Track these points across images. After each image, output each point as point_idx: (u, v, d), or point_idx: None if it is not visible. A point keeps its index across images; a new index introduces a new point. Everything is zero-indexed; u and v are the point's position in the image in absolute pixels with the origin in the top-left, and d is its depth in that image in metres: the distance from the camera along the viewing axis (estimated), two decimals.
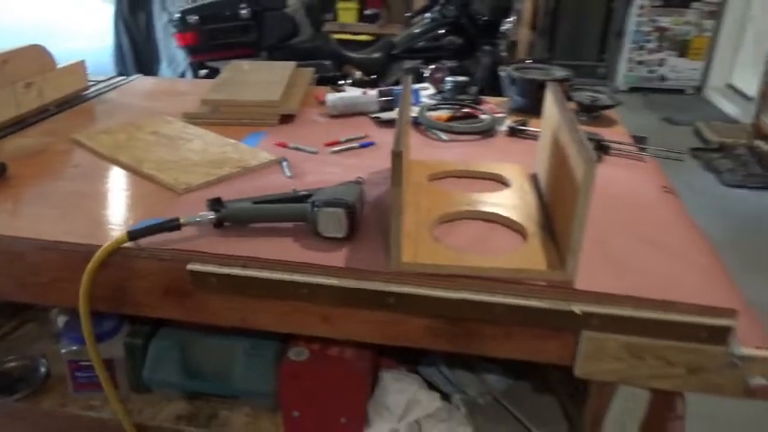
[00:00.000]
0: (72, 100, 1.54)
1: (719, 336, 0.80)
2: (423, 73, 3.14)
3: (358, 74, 2.97)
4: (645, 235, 0.97)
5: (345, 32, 5.06)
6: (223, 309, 0.91)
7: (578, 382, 1.11)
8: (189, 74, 3.21)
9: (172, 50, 3.60)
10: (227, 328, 1.04)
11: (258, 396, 1.04)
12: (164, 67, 3.74)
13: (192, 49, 2.78)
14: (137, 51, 3.70)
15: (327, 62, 2.94)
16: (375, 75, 3.10)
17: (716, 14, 5.31)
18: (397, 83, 2.65)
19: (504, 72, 1.60)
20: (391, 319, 0.87)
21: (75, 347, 1.04)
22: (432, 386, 1.07)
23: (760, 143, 3.94)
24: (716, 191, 3.51)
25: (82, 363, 1.04)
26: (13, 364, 1.13)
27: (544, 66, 1.64)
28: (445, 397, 1.06)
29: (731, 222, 3.14)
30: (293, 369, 0.97)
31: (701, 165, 3.83)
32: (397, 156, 0.79)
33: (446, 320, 0.86)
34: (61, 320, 1.11)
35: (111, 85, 1.70)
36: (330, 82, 1.75)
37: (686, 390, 0.85)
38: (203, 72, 3.00)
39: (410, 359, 1.11)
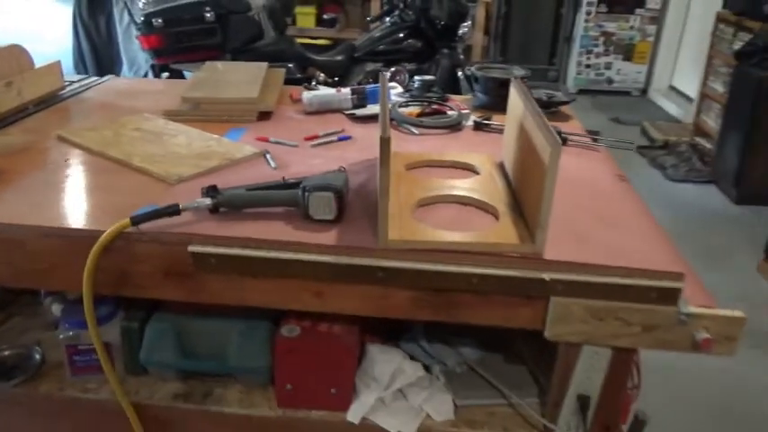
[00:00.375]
0: (50, 99, 1.57)
1: (669, 297, 0.91)
2: (384, 75, 3.24)
3: (321, 76, 3.04)
4: (602, 213, 1.09)
5: (304, 37, 5.13)
6: (222, 288, 0.97)
7: (545, 351, 1.22)
8: (151, 76, 3.22)
9: (133, 53, 3.59)
10: (219, 311, 1.10)
11: (252, 372, 1.10)
12: (125, 70, 3.72)
13: (156, 52, 2.81)
14: (97, 54, 3.68)
15: (291, 64, 3.00)
16: (338, 77, 3.18)
17: (657, 20, 5.60)
18: (359, 84, 2.73)
19: (468, 72, 1.71)
20: (380, 293, 0.95)
21: (72, 332, 1.08)
22: (413, 359, 1.15)
23: (701, 140, 4.19)
24: (661, 185, 3.72)
25: (80, 347, 1.08)
26: (7, 353, 1.16)
27: (504, 66, 1.75)
28: (425, 368, 1.14)
29: (676, 214, 3.34)
30: (286, 344, 1.05)
31: (647, 161, 4.05)
32: (385, 141, 0.88)
33: (429, 292, 0.95)
34: (56, 308, 1.15)
35: (86, 85, 1.73)
36: (296, 83, 1.82)
37: (642, 346, 0.96)
38: (165, 75, 3.02)
39: (392, 336, 1.19)
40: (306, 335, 1.05)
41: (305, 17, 5.42)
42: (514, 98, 1.19)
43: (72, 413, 1.12)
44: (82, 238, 0.95)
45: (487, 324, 0.97)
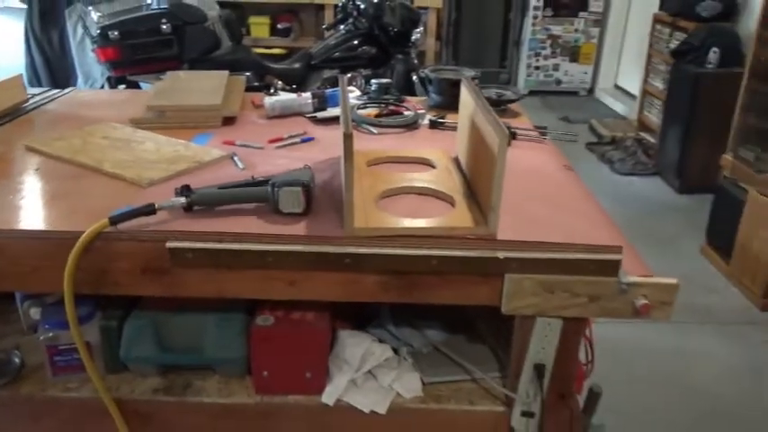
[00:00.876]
0: (13, 112, 1.59)
1: (610, 268, 1.01)
2: (343, 78, 3.31)
3: (279, 84, 3.09)
4: (549, 198, 1.19)
5: (259, 46, 5.16)
6: (199, 282, 1.03)
7: (503, 329, 1.31)
8: (107, 89, 3.22)
9: (87, 66, 3.58)
10: (195, 306, 1.16)
11: (229, 363, 1.16)
12: (80, 83, 3.71)
13: (113, 64, 2.82)
14: (50, 67, 3.65)
15: (249, 73, 3.05)
16: (295, 84, 3.24)
17: (600, 23, 5.84)
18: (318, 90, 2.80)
19: (423, 74, 1.80)
20: (349, 279, 1.02)
21: (52, 333, 1.12)
22: (381, 342, 1.22)
23: (645, 135, 4.40)
24: (610, 179, 3.90)
25: (60, 347, 1.12)
26: None
27: (456, 68, 1.85)
28: (394, 351, 1.22)
29: (624, 205, 3.51)
30: (262, 333, 1.11)
31: (596, 157, 4.23)
32: (348, 137, 0.95)
33: (394, 275, 1.02)
34: (34, 312, 1.18)
35: (49, 97, 1.75)
36: (254, 91, 1.88)
37: (589, 315, 1.05)
38: (122, 87, 3.03)
39: (361, 322, 1.26)
40: (280, 323, 1.12)
41: (259, 27, 5.46)
42: (465, 96, 1.28)
43: (55, 413, 1.15)
44: (61, 240, 0.99)
45: (449, 303, 1.05)
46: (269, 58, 3.74)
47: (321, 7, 5.46)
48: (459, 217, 1.06)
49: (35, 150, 1.33)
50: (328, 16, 5.36)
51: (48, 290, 1.06)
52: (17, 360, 1.18)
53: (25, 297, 1.22)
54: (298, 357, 1.13)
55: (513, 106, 1.79)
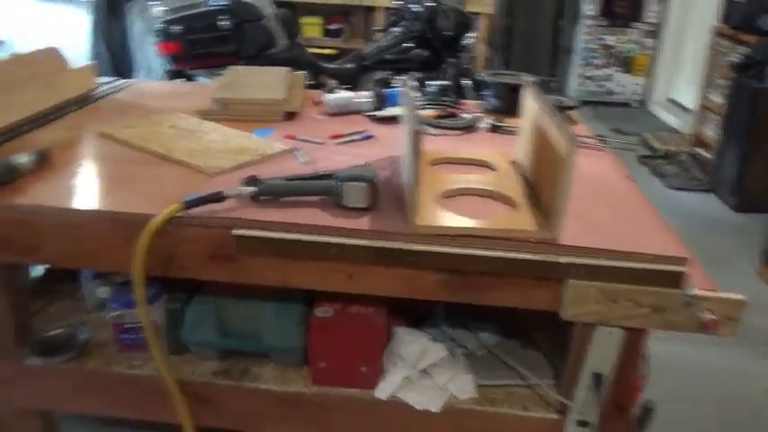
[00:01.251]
0: (84, 99, 1.65)
1: (675, 280, 1.00)
2: (392, 83, 3.33)
3: (332, 83, 3.12)
4: (613, 206, 1.17)
5: (310, 46, 5.22)
6: (263, 270, 1.05)
7: (558, 337, 1.30)
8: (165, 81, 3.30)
9: (149, 59, 3.68)
10: (255, 293, 1.18)
11: (286, 352, 1.18)
12: (142, 75, 3.82)
13: (174, 58, 2.89)
14: (113, 60, 3.77)
15: (303, 72, 3.09)
16: (348, 84, 3.27)
17: (656, 33, 5.72)
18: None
19: (479, 78, 1.79)
20: (409, 275, 1.03)
21: (119, 312, 1.15)
22: (437, 342, 1.23)
23: (700, 150, 4.29)
24: (663, 193, 3.81)
25: (126, 325, 1.16)
26: (56, 332, 1.23)
27: (513, 72, 1.85)
28: (447, 351, 1.22)
29: (677, 220, 3.41)
30: (321, 324, 1.12)
31: (648, 170, 4.14)
32: (416, 133, 0.96)
33: (455, 274, 1.03)
34: (102, 291, 1.23)
35: (116, 87, 1.81)
36: (309, 89, 1.91)
37: (652, 327, 1.04)
38: (179, 81, 3.10)
39: (416, 320, 1.27)
40: (338, 316, 1.13)
41: (311, 27, 5.53)
42: (529, 100, 1.27)
43: (118, 388, 1.19)
44: (134, 222, 1.03)
45: (508, 305, 1.05)
46: (321, 57, 3.79)
47: (371, 9, 5.50)
48: (522, 220, 1.05)
49: (107, 136, 1.37)
50: (379, 18, 5.39)
51: (119, 269, 1.09)
52: (83, 336, 1.22)
53: (93, 276, 1.27)
54: (354, 350, 1.14)
55: (570, 114, 1.78)
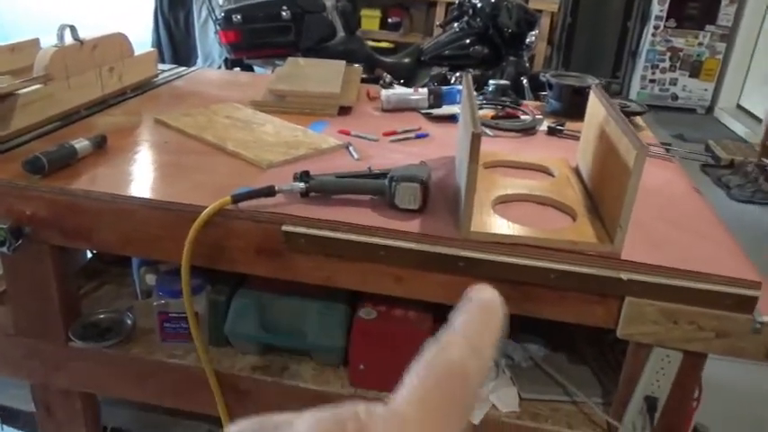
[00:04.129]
0: (145, 85, 1.68)
1: (745, 304, 0.93)
2: (450, 79, 3.28)
3: (388, 77, 3.10)
4: (677, 221, 1.10)
5: (368, 39, 5.22)
6: (310, 268, 1.03)
7: (608, 354, 1.24)
8: (223, 69, 3.34)
9: (208, 47, 3.75)
10: (299, 291, 1.17)
11: (327, 351, 1.16)
12: (199, 62, 3.89)
13: (234, 47, 2.92)
14: (174, 46, 3.86)
15: (360, 65, 3.08)
16: (404, 79, 3.24)
17: (728, 38, 5.46)
18: (424, 86, 2.79)
19: (543, 78, 1.73)
20: (458, 282, 0.99)
21: (164, 300, 1.16)
22: None
23: None
24: (726, 205, 3.64)
25: (171, 314, 1.16)
26: (102, 316, 1.25)
27: (577, 74, 1.78)
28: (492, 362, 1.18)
29: (740, 235, 3.26)
30: (364, 326, 1.10)
31: (711, 180, 3.96)
32: (476, 136, 0.92)
33: (508, 284, 0.99)
34: (150, 278, 1.24)
35: (177, 74, 1.83)
36: (364, 83, 1.89)
37: (714, 352, 0.97)
38: (237, 69, 3.14)
39: None
40: (382, 318, 1.11)
41: (370, 20, 5.51)
42: (595, 104, 1.21)
43: (159, 376, 1.20)
44: (185, 212, 1.03)
45: (561, 320, 1.00)
46: (377, 51, 3.77)
47: (433, 4, 5.44)
48: (582, 231, 1.00)
49: (164, 124, 1.39)
50: (440, 13, 5.33)
51: (167, 258, 1.10)
52: (129, 321, 1.24)
53: (142, 263, 1.28)
54: (396, 355, 1.11)
55: (636, 119, 1.70)
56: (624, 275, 0.94)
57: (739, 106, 5.53)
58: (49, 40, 1.41)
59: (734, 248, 1.03)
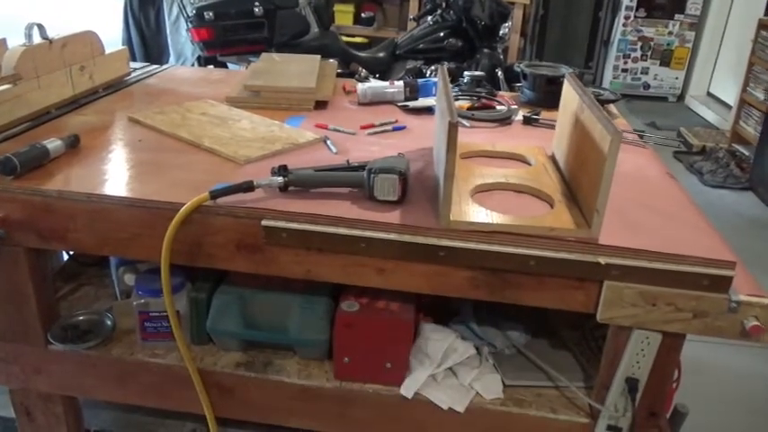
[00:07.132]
0: (117, 84, 1.65)
1: (720, 284, 0.95)
2: (425, 72, 3.28)
3: (363, 72, 3.09)
4: (653, 205, 1.12)
5: (342, 34, 5.20)
6: (290, 262, 1.03)
7: (589, 339, 1.26)
8: (197, 67, 3.31)
9: (180, 45, 3.70)
10: (281, 286, 1.16)
11: (310, 345, 1.16)
12: (171, 61, 3.84)
13: (206, 44, 2.89)
14: (145, 44, 3.80)
15: (334, 60, 3.07)
16: (379, 73, 3.24)
17: (696, 26, 5.54)
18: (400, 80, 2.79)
19: (517, 69, 1.74)
20: (439, 271, 1.00)
21: (144, 300, 1.15)
22: (464, 339, 1.20)
23: (739, 147, 4.16)
24: (698, 190, 3.71)
25: (151, 313, 1.15)
26: (81, 318, 1.23)
27: (551, 64, 1.79)
28: (475, 350, 1.19)
29: (714, 219, 3.32)
30: (347, 319, 1.10)
31: (684, 166, 4.03)
32: (453, 126, 0.92)
33: (487, 272, 0.99)
34: (129, 278, 1.22)
35: (149, 72, 1.81)
36: (340, 77, 1.88)
37: (692, 332, 0.99)
38: (210, 67, 3.11)
39: (443, 317, 1.24)
40: (365, 311, 1.11)
41: (343, 15, 5.49)
42: (569, 93, 1.22)
43: (141, 376, 1.18)
44: (163, 210, 1.02)
45: (542, 305, 1.02)
46: (352, 46, 3.76)
47: None
48: (560, 218, 1.01)
49: (138, 122, 1.37)
50: (413, 7, 5.33)
51: (146, 257, 1.08)
52: (109, 322, 1.22)
53: (120, 263, 1.26)
54: (380, 346, 1.11)
55: (609, 107, 1.72)
56: (602, 260, 0.95)
57: (709, 94, 5.63)
58: (16, 41, 1.38)
59: (708, 230, 1.05)
